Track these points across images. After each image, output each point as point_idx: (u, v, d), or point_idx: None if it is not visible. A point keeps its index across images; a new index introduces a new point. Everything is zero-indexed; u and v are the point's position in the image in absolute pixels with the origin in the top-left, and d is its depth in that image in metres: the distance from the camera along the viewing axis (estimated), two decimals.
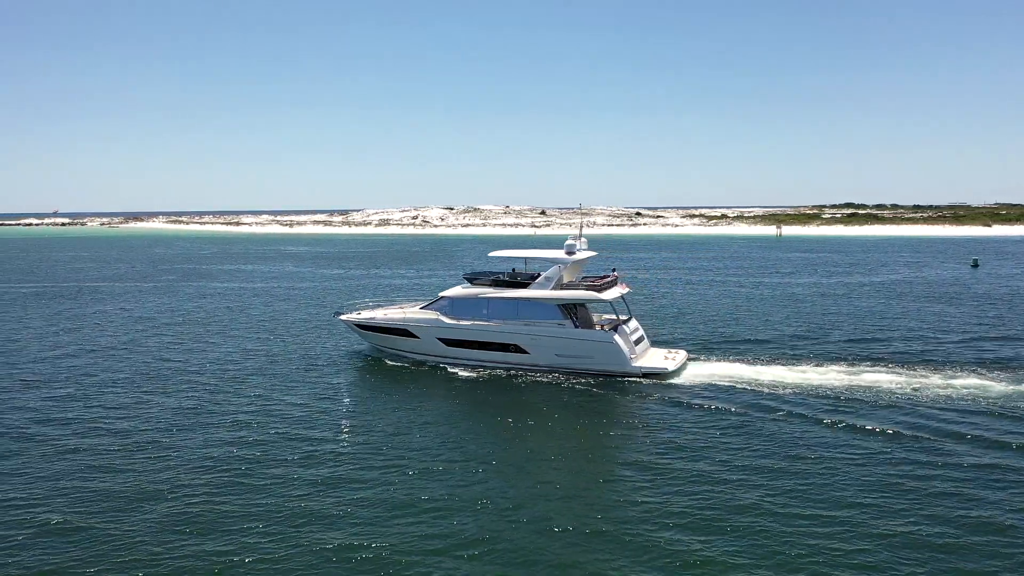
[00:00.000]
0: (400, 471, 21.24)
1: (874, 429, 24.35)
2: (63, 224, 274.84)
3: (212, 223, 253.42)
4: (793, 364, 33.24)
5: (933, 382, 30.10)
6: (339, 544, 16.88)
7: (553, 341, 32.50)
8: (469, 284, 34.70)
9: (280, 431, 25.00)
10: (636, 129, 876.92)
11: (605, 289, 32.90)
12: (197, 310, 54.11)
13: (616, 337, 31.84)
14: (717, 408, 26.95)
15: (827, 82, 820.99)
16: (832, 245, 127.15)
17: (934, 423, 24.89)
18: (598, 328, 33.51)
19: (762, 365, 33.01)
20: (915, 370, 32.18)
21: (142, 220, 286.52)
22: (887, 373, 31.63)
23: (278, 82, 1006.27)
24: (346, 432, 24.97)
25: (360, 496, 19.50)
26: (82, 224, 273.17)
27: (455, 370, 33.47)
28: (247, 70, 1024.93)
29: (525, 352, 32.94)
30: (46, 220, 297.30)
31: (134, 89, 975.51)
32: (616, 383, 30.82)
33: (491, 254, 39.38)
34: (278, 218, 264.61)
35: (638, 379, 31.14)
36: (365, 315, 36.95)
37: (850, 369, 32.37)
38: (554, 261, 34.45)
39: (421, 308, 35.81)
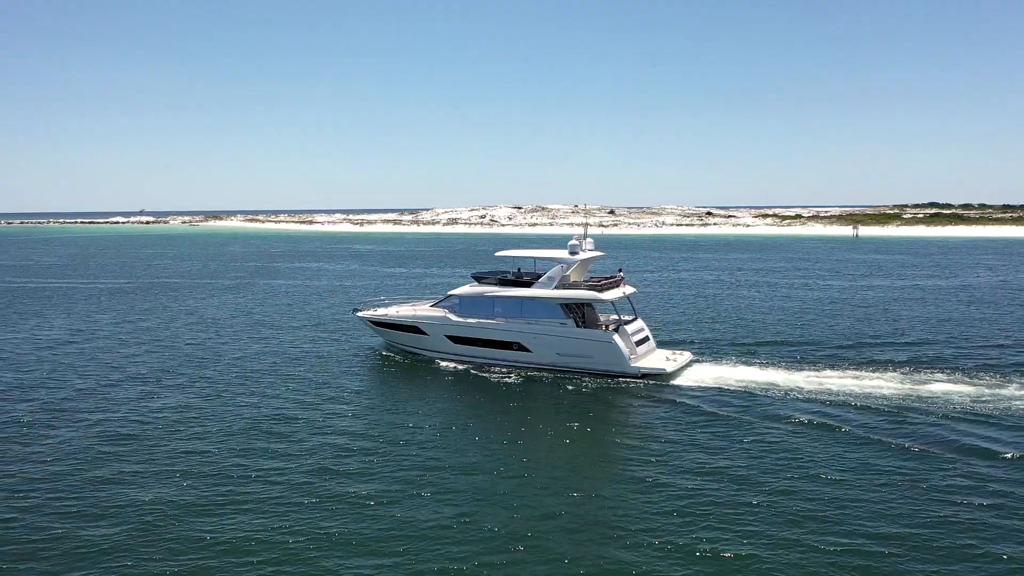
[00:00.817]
0: (396, 470, 21.34)
1: (846, 430, 24.35)
2: (147, 222, 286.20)
3: (287, 221, 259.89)
4: (801, 368, 32.58)
5: (946, 389, 29.11)
6: (339, 534, 16.92)
7: (555, 340, 32.83)
8: (477, 283, 35.31)
9: (276, 426, 25.50)
10: (710, 127, 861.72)
11: (606, 289, 33.09)
12: (256, 307, 55.36)
13: (616, 337, 31.92)
14: (705, 410, 26.85)
15: (910, 77, 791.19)
16: (912, 246, 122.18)
17: (934, 430, 24.31)
18: (602, 328, 33.50)
19: (769, 369, 32.48)
20: (932, 375, 31.35)
21: (221, 219, 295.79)
22: (917, 383, 30.34)
23: (353, 82, 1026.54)
24: (340, 430, 25.19)
25: (347, 491, 19.49)
26: (165, 223, 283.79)
27: (462, 367, 34.05)
28: (321, 70, 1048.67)
29: (528, 350, 33.38)
30: (132, 219, 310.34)
31: (216, 92, 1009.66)
32: (614, 383, 30.93)
33: (497, 253, 39.63)
34: (350, 217, 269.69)
35: (637, 380, 31.20)
36: (380, 312, 37.93)
37: (860, 375, 31.44)
38: (558, 261, 34.57)
39: (431, 306, 36.83)
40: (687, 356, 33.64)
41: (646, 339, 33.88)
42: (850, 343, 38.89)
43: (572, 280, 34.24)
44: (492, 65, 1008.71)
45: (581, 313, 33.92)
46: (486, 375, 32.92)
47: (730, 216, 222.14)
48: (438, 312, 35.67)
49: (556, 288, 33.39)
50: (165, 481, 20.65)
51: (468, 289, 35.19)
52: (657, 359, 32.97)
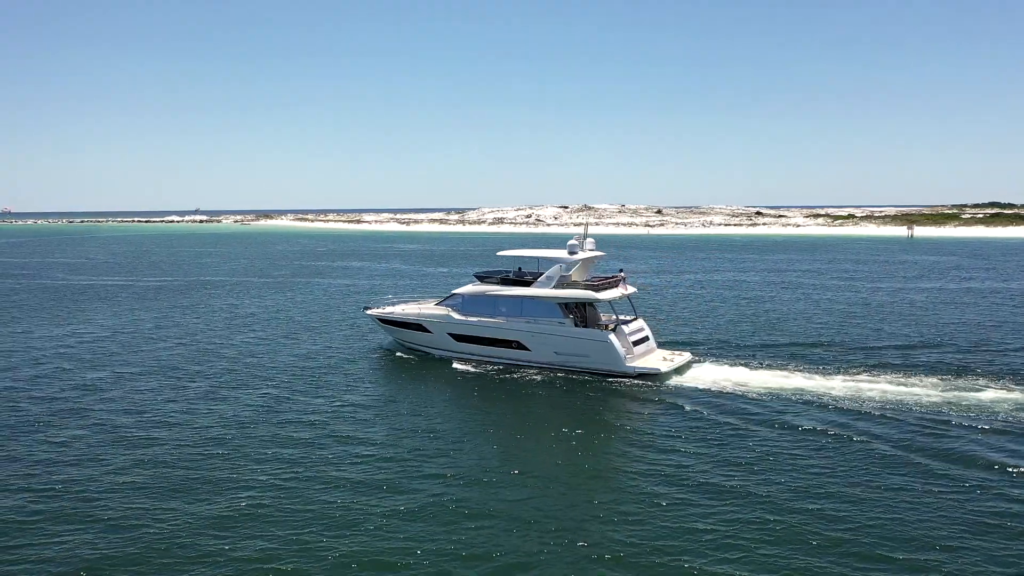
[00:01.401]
0: (392, 470, 21.23)
1: (833, 434, 24.21)
2: (201, 221, 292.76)
3: (336, 221, 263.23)
4: (807, 372, 32.09)
5: (938, 393, 28.59)
6: (341, 535, 16.73)
7: (553, 339, 33.19)
8: (480, 282, 35.88)
9: (279, 423, 25.78)
10: (761, 126, 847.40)
11: (604, 289, 33.46)
12: (292, 306, 55.92)
13: (612, 337, 32.17)
14: (690, 411, 26.96)
15: (972, 73, 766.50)
16: (969, 248, 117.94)
17: (916, 436, 23.99)
18: (603, 328, 33.64)
19: (769, 371, 32.13)
20: (949, 380, 30.61)
21: (272, 217, 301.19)
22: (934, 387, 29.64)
23: (400, 84, 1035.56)
24: (335, 429, 25.40)
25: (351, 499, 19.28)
26: (218, 221, 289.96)
27: (464, 365, 34.51)
28: (369, 70, 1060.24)
29: (527, 349, 33.81)
30: (187, 217, 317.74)
31: (269, 94, 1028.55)
32: (609, 383, 31.16)
33: (499, 253, 40.24)
34: (397, 216, 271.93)
35: (632, 379, 31.37)
36: (388, 310, 38.78)
37: (861, 378, 30.88)
38: (558, 261, 34.83)
39: (435, 304, 37.57)
40: (686, 357, 33.60)
41: (645, 339, 34.03)
42: (878, 346, 37.91)
43: (574, 280, 34.56)
44: (530, 64, 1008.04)
45: (582, 313, 34.23)
46: (485, 373, 33.29)
47: (780, 216, 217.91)
48: (442, 310, 36.36)
49: (555, 288, 33.72)
50: (178, 485, 20.76)
51: (471, 288, 35.80)
52: (654, 359, 33.01)
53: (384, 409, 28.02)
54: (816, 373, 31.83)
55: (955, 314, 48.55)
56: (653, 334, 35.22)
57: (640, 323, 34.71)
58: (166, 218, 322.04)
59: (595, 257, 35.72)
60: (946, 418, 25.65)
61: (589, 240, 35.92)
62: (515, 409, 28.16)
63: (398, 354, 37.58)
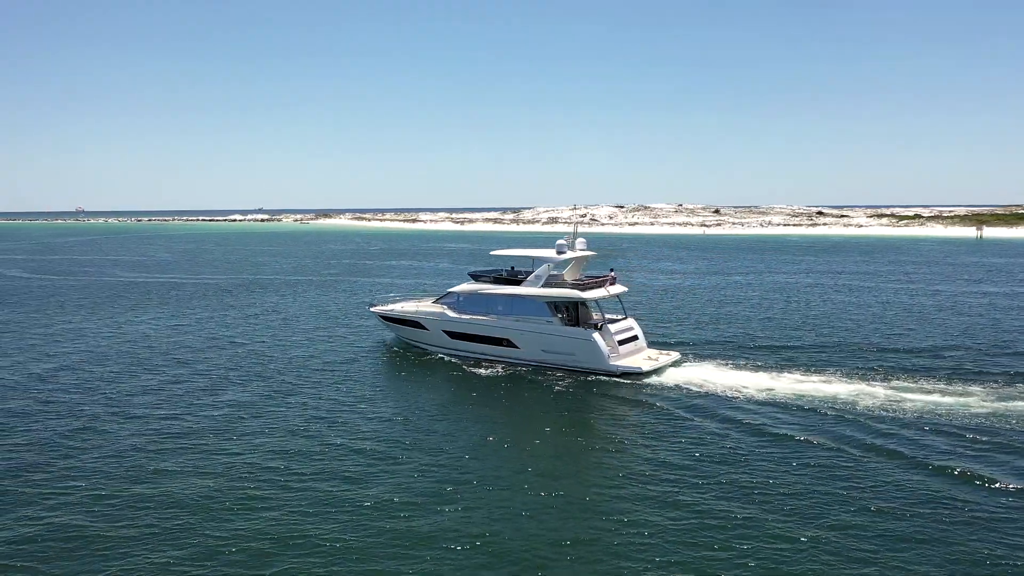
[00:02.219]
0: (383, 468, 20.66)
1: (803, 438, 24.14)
2: (262, 220, 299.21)
3: (392, 220, 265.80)
4: (790, 371, 32.20)
5: (921, 399, 28.10)
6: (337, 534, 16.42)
7: (540, 337, 33.91)
8: (474, 281, 36.94)
9: (282, 420, 25.89)
10: (829, 122, 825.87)
11: (588, 289, 34.05)
12: (332, 305, 56.29)
13: (595, 335, 32.72)
14: (661, 407, 27.63)
15: None
16: None
17: (871, 437, 23.97)
18: (591, 327, 34.16)
19: (757, 373, 32.06)
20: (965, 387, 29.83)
21: (331, 216, 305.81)
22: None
23: (458, 82, 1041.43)
24: (333, 428, 25.73)
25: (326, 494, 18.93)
26: (278, 220, 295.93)
27: (458, 361, 35.44)
28: (434, 69, 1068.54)
29: (516, 347, 34.59)
30: (249, 216, 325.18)
31: (329, 96, 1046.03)
32: (591, 381, 31.67)
33: (492, 252, 41.03)
34: (452, 216, 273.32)
35: (616, 378, 31.79)
36: (389, 308, 39.86)
37: (857, 382, 30.46)
38: (546, 261, 35.53)
39: (432, 302, 38.76)
40: (672, 356, 33.98)
41: (633, 338, 34.50)
42: (918, 349, 37.10)
43: (569, 279, 35.32)
44: (592, 65, 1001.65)
45: (574, 312, 34.90)
46: (476, 370, 34.04)
47: (842, 216, 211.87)
48: (438, 308, 37.41)
49: (543, 287, 34.55)
50: (204, 476, 20.79)
51: (465, 287, 36.90)
52: (638, 358, 33.37)
53: (367, 410, 27.96)
54: (793, 375, 31.64)
55: (1017, 319, 46.03)
56: (643, 333, 35.61)
57: (629, 322, 35.29)
58: (229, 217, 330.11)
59: (586, 257, 36.48)
60: (941, 423, 25.31)
61: (580, 240, 36.52)
62: (493, 406, 28.75)
63: (395, 350, 38.64)
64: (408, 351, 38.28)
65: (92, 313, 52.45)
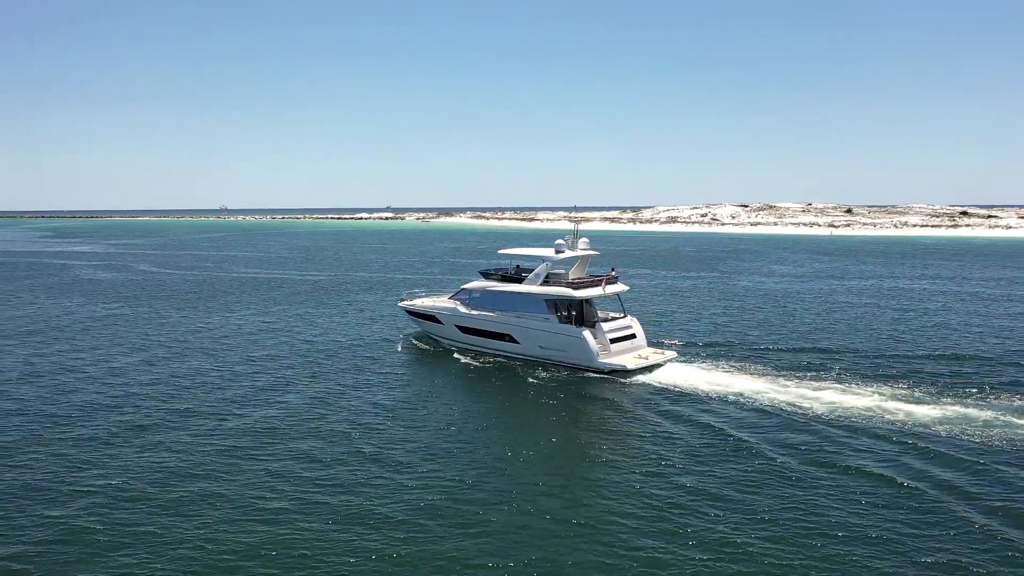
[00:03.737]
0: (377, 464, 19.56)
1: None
2: (387, 218, 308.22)
3: (511, 219, 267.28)
4: (782, 375, 32.07)
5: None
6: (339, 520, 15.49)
7: (538, 333, 35.30)
8: (484, 278, 38.62)
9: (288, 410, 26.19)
10: (976, 115, 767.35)
11: (581, 288, 34.91)
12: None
13: (585, 333, 33.84)
14: (651, 406, 28.06)
15: None
16: None
17: (840, 445, 23.63)
18: (589, 324, 35.10)
19: (744, 375, 32.07)
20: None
21: (451, 215, 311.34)
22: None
23: (571, 80, 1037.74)
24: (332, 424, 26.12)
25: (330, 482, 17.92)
26: (401, 219, 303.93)
27: (467, 355, 37.25)
28: (565, 71, 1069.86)
29: (517, 342, 36.07)
30: (375, 215, 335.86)
31: (456, 98, 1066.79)
32: (583, 377, 32.59)
33: (500, 252, 42.13)
34: (571, 215, 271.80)
35: (603, 374, 32.74)
36: (414, 302, 41.98)
37: (849, 389, 29.83)
38: (545, 260, 36.49)
39: (449, 298, 40.46)
40: (666, 356, 34.49)
41: (628, 337, 35.09)
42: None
43: (573, 277, 36.37)
44: (713, 64, 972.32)
45: (577, 310, 35.79)
46: (479, 363, 35.77)
47: (990, 216, 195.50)
48: (451, 304, 39.25)
49: (542, 285, 35.74)
50: (246, 475, 20.59)
51: (476, 284, 38.86)
52: (628, 357, 33.96)
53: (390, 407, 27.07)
54: (791, 382, 31.12)
55: None
56: (644, 332, 36.18)
57: (627, 321, 36.16)
58: (356, 215, 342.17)
59: (588, 256, 37.53)
60: (944, 438, 24.35)
61: (583, 240, 37.50)
62: (484, 399, 30.19)
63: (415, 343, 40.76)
64: (427, 344, 40.38)
65: (191, 307, 54.59)
